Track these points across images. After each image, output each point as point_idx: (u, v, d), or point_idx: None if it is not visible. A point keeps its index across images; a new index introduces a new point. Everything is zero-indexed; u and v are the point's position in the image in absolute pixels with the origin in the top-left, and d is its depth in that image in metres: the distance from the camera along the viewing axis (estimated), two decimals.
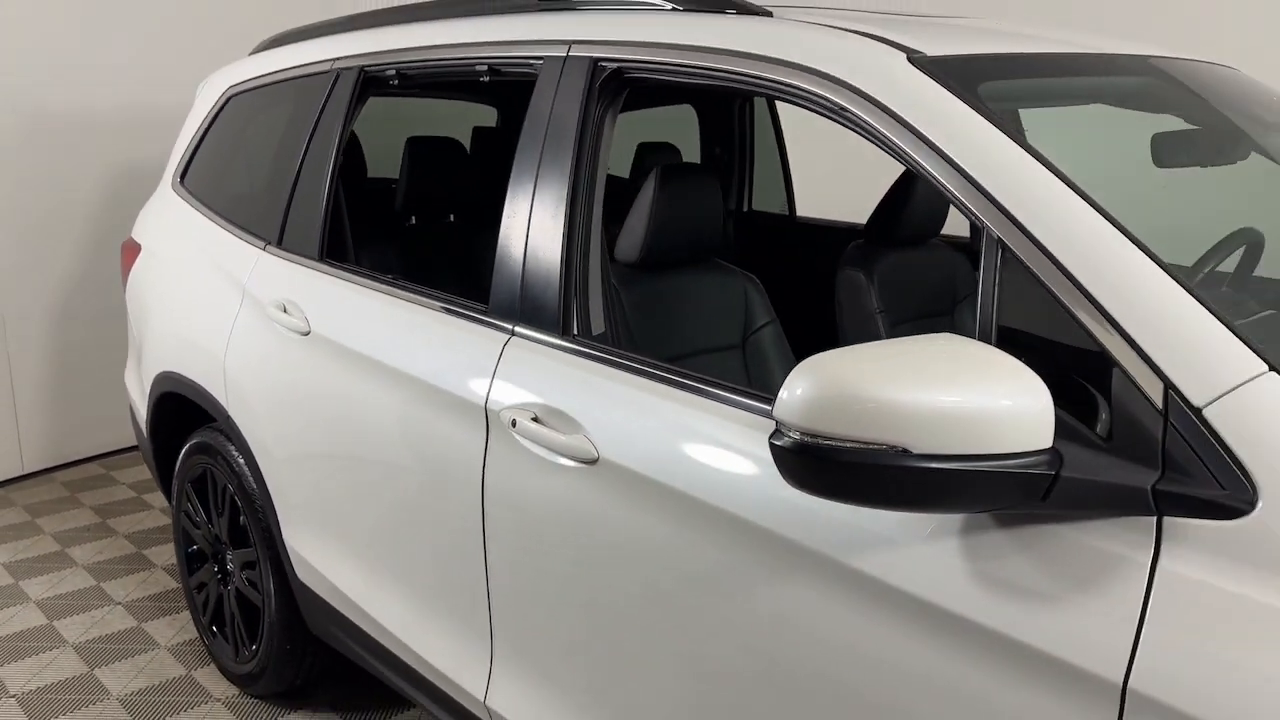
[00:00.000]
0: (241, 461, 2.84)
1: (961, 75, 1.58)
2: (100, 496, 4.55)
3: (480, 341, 2.09)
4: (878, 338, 2.73)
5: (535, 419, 1.91)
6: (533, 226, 2.05)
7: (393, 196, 3.25)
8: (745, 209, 4.03)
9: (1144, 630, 1.19)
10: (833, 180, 3.84)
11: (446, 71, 2.44)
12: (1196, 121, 2.04)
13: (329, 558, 2.56)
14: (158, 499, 4.47)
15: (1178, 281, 1.28)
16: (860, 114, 1.58)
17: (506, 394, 1.99)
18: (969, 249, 2.94)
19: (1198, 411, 1.21)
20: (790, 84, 1.69)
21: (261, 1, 4.97)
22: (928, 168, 1.49)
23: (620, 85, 2.04)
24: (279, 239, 2.79)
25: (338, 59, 2.75)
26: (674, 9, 2.03)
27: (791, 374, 1.27)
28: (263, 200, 2.91)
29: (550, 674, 1.99)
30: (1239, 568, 1.16)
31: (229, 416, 2.83)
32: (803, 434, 1.25)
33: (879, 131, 1.56)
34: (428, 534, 2.22)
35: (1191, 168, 2.09)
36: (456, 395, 2.09)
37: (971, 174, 1.43)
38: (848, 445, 1.22)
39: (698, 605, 1.68)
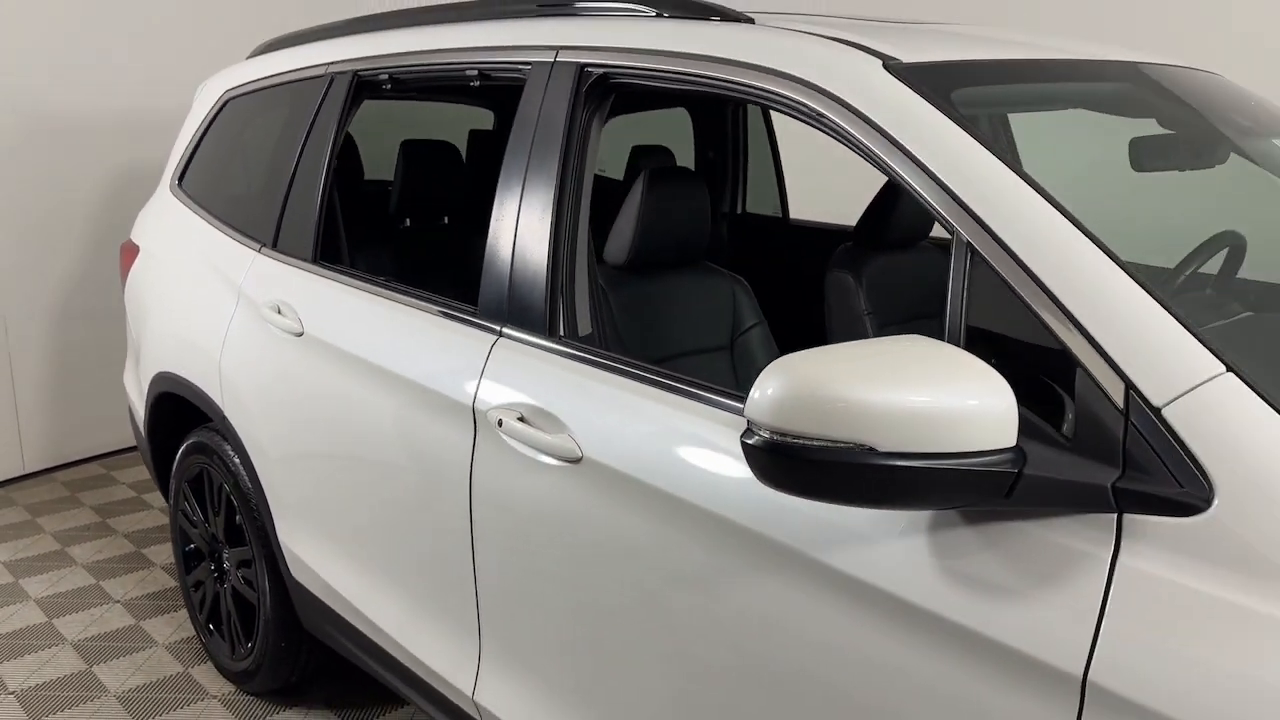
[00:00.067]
0: (237, 461, 2.87)
1: (936, 82, 1.61)
2: (100, 496, 4.59)
3: (469, 342, 2.13)
4: (865, 339, 2.75)
5: (521, 419, 1.94)
6: (520, 229, 2.08)
7: (389, 199, 3.29)
8: (739, 211, 4.06)
9: (1103, 624, 1.22)
10: (826, 183, 3.87)
11: (438, 76, 2.47)
12: (1174, 126, 2.07)
13: (322, 556, 2.59)
14: (157, 499, 4.51)
15: (1140, 284, 1.31)
16: (837, 120, 1.61)
17: (494, 394, 2.02)
18: None
19: (1157, 411, 1.24)
20: (769, 90, 1.72)
21: (261, 5, 5.02)
22: (901, 173, 1.52)
23: (606, 90, 2.07)
24: (274, 241, 2.82)
25: (332, 63, 2.79)
26: (658, 15, 2.06)
27: (762, 374, 1.30)
28: (259, 203, 2.95)
29: (537, 670, 2.02)
30: (1196, 564, 1.18)
31: (224, 417, 2.87)
32: (773, 433, 1.28)
33: (854, 137, 1.59)
34: (417, 532, 2.25)
35: (1171, 172, 2.11)
36: (445, 395, 2.12)
37: (941, 178, 1.47)
38: (815, 444, 1.25)
39: (679, 602, 1.71)
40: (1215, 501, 1.19)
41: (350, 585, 2.51)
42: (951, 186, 1.45)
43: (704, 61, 1.86)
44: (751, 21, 1.93)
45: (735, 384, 2.53)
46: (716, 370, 2.56)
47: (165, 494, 3.44)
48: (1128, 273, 1.32)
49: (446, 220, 3.55)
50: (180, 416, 3.22)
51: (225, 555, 3.08)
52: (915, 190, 1.49)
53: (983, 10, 4.45)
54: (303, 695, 3.09)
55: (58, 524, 4.29)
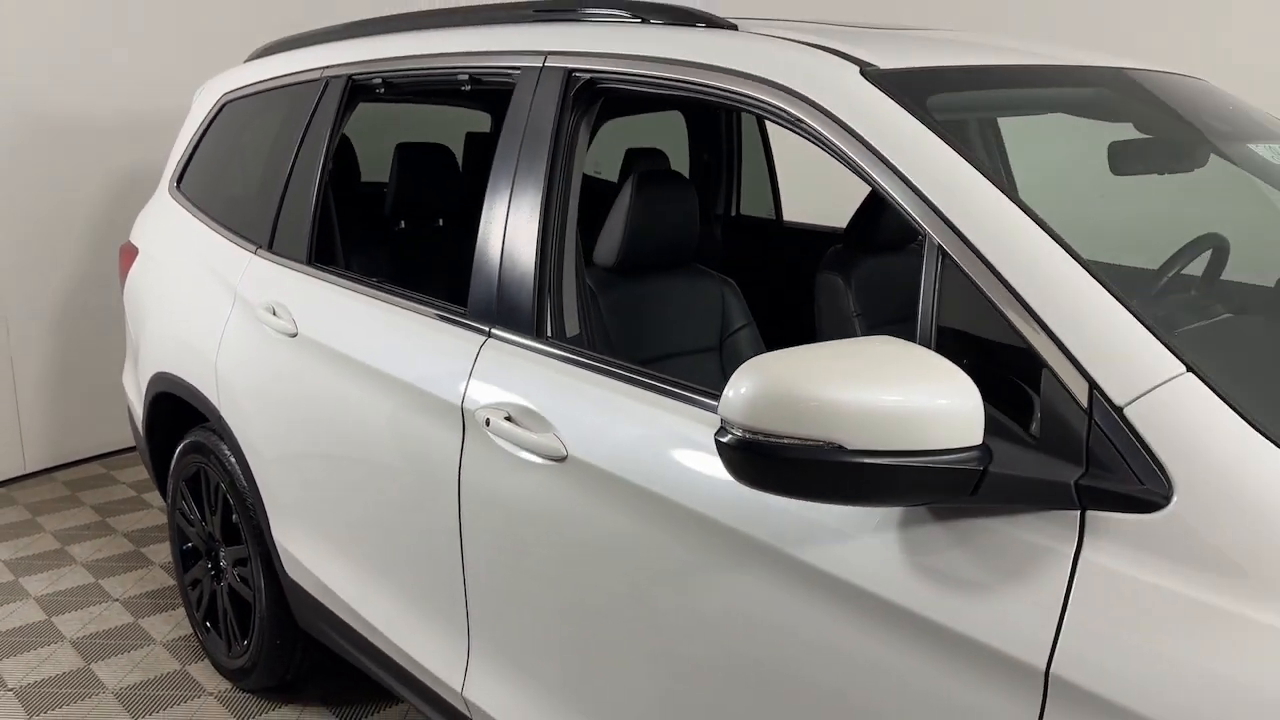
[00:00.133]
0: (233, 460, 2.91)
1: (911, 87, 1.64)
2: (100, 496, 4.62)
3: (458, 343, 2.16)
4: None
5: (508, 418, 1.98)
6: (509, 231, 2.12)
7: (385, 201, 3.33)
8: (733, 213, 4.09)
9: (1066, 619, 1.25)
10: (819, 186, 3.90)
11: (430, 80, 2.51)
12: (1153, 130, 2.10)
13: (316, 554, 2.63)
14: (157, 498, 4.54)
15: (1104, 286, 1.34)
16: (814, 124, 1.65)
17: (482, 394, 2.06)
18: None
19: (1119, 410, 1.27)
20: (750, 95, 1.76)
21: (261, 8, 5.05)
22: (875, 177, 1.55)
23: (594, 95, 2.11)
24: (269, 243, 2.86)
25: (327, 67, 2.82)
26: (644, 22, 2.10)
27: (735, 374, 1.33)
28: (255, 205, 2.98)
29: (524, 665, 2.05)
30: (1155, 559, 1.22)
31: (221, 416, 2.90)
32: (745, 431, 1.31)
33: (831, 142, 1.62)
34: (408, 530, 2.28)
35: (1148, 175, 2.14)
36: (435, 395, 2.15)
37: (914, 182, 1.50)
38: (787, 442, 1.28)
39: (662, 599, 1.74)
40: (1174, 498, 1.22)
41: (343, 583, 2.55)
42: (923, 190, 1.49)
43: (687, 67, 1.89)
44: (734, 28, 1.96)
45: (723, 384, 2.56)
46: (705, 371, 2.59)
47: (163, 493, 3.48)
48: (1093, 275, 1.35)
49: (441, 222, 3.58)
50: (178, 416, 3.26)
51: (222, 554, 3.12)
52: (889, 194, 1.53)
53: (982, 14, 4.49)
54: (298, 693, 3.12)
55: (58, 523, 4.33)
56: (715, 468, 1.65)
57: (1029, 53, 2.07)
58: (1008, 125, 2.84)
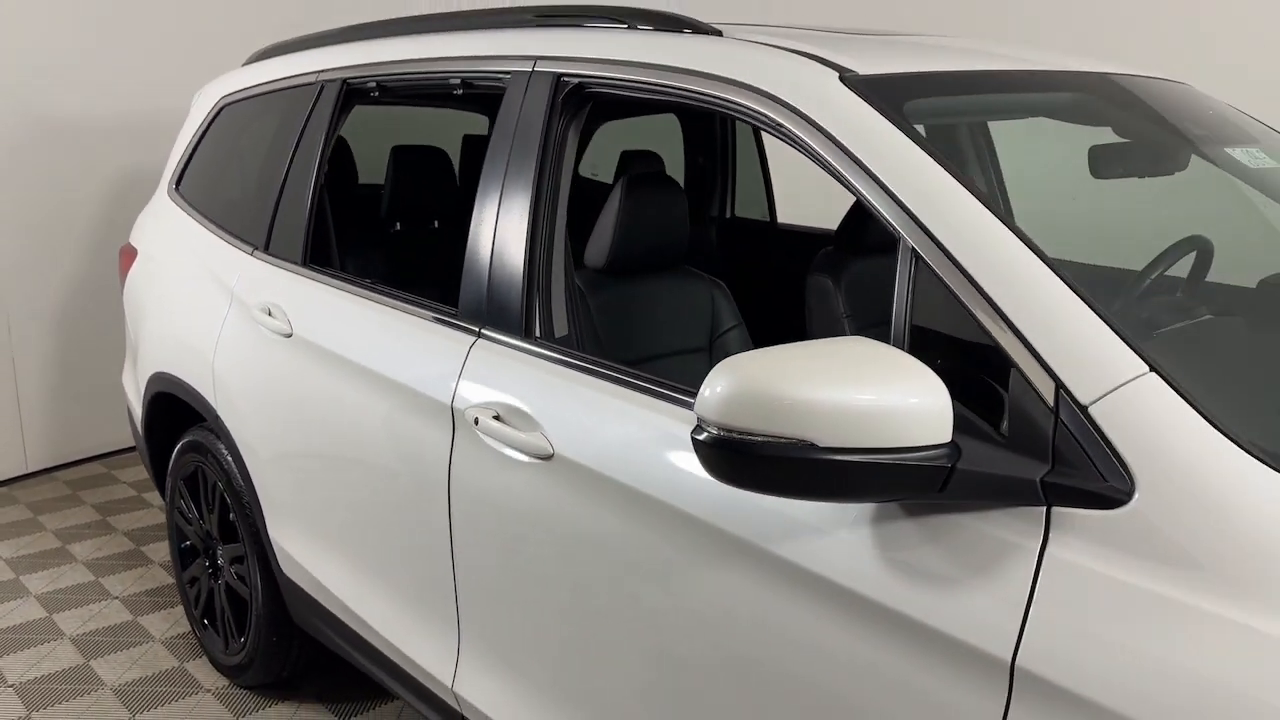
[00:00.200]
0: (229, 459, 2.94)
1: (889, 93, 1.68)
2: (101, 495, 4.66)
3: (449, 343, 2.19)
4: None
5: (497, 417, 2.01)
6: (499, 233, 2.15)
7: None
8: (728, 216, 4.13)
9: (1031, 612, 1.28)
10: (812, 188, 3.94)
11: (423, 84, 2.54)
12: (1132, 134, 2.13)
13: (310, 552, 2.66)
14: (157, 498, 4.58)
15: (1072, 288, 1.38)
16: (794, 129, 1.68)
17: (471, 393, 2.09)
18: None
19: (1084, 409, 1.30)
20: (732, 100, 1.79)
21: (261, 10, 5.09)
22: (852, 181, 1.58)
23: (582, 99, 2.14)
24: (265, 244, 2.89)
25: (322, 71, 2.86)
26: (630, 28, 2.13)
27: (711, 373, 1.36)
28: (251, 207, 3.02)
29: (512, 660, 2.08)
30: (1118, 554, 1.25)
31: (217, 416, 2.94)
32: (720, 429, 1.34)
33: (810, 146, 1.65)
34: (400, 528, 2.32)
35: (1129, 178, 2.17)
36: (426, 395, 2.18)
37: (889, 186, 1.53)
38: (759, 439, 1.31)
39: (645, 595, 1.77)
40: (1136, 495, 1.25)
41: (337, 580, 2.58)
42: (896, 193, 1.52)
43: (672, 72, 1.92)
44: (719, 34, 2.00)
45: None
46: (695, 371, 2.62)
47: (162, 492, 3.51)
48: (1061, 277, 1.39)
49: (436, 224, 3.62)
50: (176, 416, 3.30)
51: (219, 552, 3.15)
52: (864, 197, 1.56)
53: (983, 17, 4.51)
54: (295, 690, 3.16)
55: (59, 522, 4.37)
56: (698, 466, 1.68)
57: (1011, 58, 2.10)
58: (1005, 128, 2.87)
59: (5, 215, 4.62)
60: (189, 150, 3.49)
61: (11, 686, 3.16)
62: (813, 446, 1.30)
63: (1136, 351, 1.31)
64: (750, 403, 1.32)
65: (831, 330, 2.89)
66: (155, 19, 4.91)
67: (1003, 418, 1.39)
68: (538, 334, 2.07)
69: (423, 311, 2.31)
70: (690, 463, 1.69)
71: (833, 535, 1.50)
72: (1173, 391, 1.28)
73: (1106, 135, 2.21)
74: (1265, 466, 1.22)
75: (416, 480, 2.22)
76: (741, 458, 1.33)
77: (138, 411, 3.51)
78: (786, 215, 4.09)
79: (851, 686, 1.47)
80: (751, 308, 3.12)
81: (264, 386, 2.72)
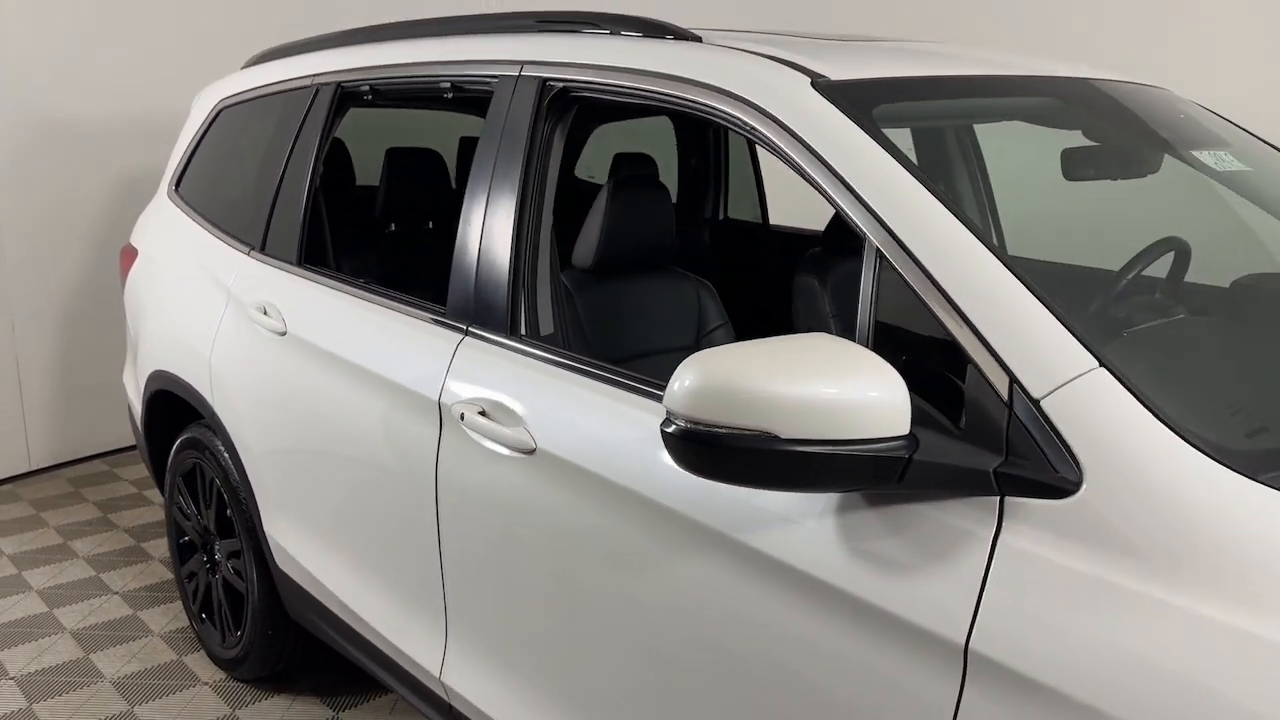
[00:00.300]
0: (226, 456, 3.00)
1: (859, 98, 1.73)
2: (103, 492, 4.72)
3: (437, 341, 2.25)
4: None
5: (482, 413, 2.06)
6: (486, 233, 2.20)
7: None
8: (720, 217, 4.18)
9: (984, 598, 1.33)
10: (804, 190, 3.98)
11: (414, 87, 2.60)
12: (1102, 137, 2.18)
13: (304, 546, 2.72)
14: (158, 495, 4.63)
15: (1027, 286, 1.43)
16: (767, 133, 1.73)
17: (458, 390, 2.14)
18: None
19: (1036, 403, 1.35)
20: (708, 104, 1.84)
21: (261, 15, 5.15)
22: (821, 183, 1.64)
23: (567, 103, 2.19)
24: (262, 245, 2.95)
25: (317, 75, 2.92)
26: (614, 33, 2.18)
27: (679, 367, 1.42)
28: (248, 208, 3.08)
29: (497, 650, 2.14)
30: (1066, 542, 1.30)
31: (215, 413, 2.99)
32: (688, 421, 1.40)
33: (782, 150, 1.70)
34: (390, 522, 2.37)
35: (1101, 181, 2.22)
36: (415, 391, 2.24)
37: (855, 188, 1.58)
38: (724, 431, 1.37)
39: (624, 584, 1.82)
40: (1084, 485, 1.30)
41: (330, 574, 2.63)
42: (863, 195, 1.57)
43: (653, 77, 1.97)
44: (699, 39, 2.05)
45: None
46: None
47: (162, 489, 3.57)
48: (1017, 275, 1.44)
49: (430, 225, 3.67)
50: (175, 413, 3.35)
51: (216, 547, 3.21)
52: (833, 199, 1.61)
53: (985, 21, 4.57)
54: (291, 683, 3.21)
55: (61, 518, 4.43)
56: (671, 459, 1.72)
57: (987, 62, 2.14)
58: (998, 132, 2.92)
59: (9, 216, 4.69)
60: (188, 152, 3.55)
61: (13, 679, 3.22)
62: (775, 438, 1.35)
63: (1087, 348, 1.36)
64: (715, 396, 1.37)
65: (818, 330, 2.93)
66: (156, 21, 4.97)
67: (961, 411, 1.44)
68: (523, 332, 2.12)
69: (412, 310, 2.37)
70: (666, 456, 1.74)
71: (800, 526, 1.55)
72: (1121, 386, 1.33)
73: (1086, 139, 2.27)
74: (1209, 459, 1.27)
75: (405, 475, 2.27)
76: (707, 449, 1.39)
77: (137, 409, 3.57)
78: (778, 217, 4.14)
79: (818, 672, 1.52)
80: (743, 308, 3.17)
81: (259, 384, 2.77)
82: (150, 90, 4.96)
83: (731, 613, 1.64)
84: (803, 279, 2.98)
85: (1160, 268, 2.26)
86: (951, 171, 2.88)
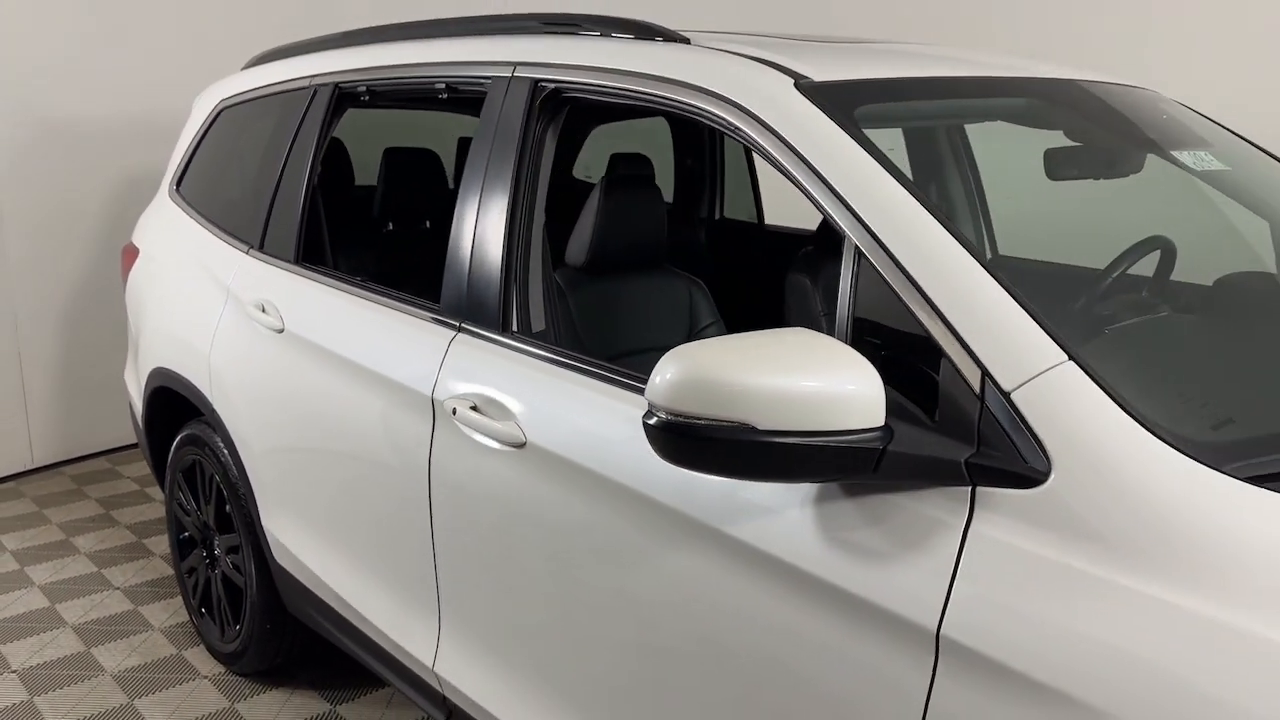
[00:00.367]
0: (225, 452, 3.04)
1: (841, 99, 1.76)
2: (105, 489, 4.77)
3: (430, 338, 2.28)
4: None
5: (474, 407, 2.10)
6: (478, 232, 2.24)
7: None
8: (716, 216, 4.22)
9: (955, 585, 1.37)
10: (798, 191, 4.02)
11: (410, 88, 2.64)
12: (1083, 137, 2.21)
13: (302, 541, 2.75)
14: (159, 492, 4.67)
15: (999, 282, 1.46)
16: (751, 133, 1.77)
17: (451, 385, 2.18)
18: None
19: (1007, 395, 1.38)
20: (695, 105, 1.88)
21: (261, 16, 5.19)
22: (802, 181, 1.67)
23: (559, 104, 2.23)
24: (260, 243, 2.99)
25: (315, 76, 2.96)
26: (605, 35, 2.22)
27: (661, 361, 1.45)
28: (248, 207, 3.12)
29: (489, 641, 2.17)
30: (1035, 530, 1.33)
31: (214, 410, 3.03)
32: (668, 413, 1.43)
33: (766, 150, 1.74)
34: (384, 516, 2.41)
35: (1084, 180, 2.25)
36: (409, 387, 2.28)
37: (835, 187, 1.62)
38: (703, 423, 1.40)
39: (611, 575, 1.86)
40: (1052, 475, 1.33)
41: (327, 568, 2.67)
42: (842, 194, 1.61)
43: (642, 79, 2.01)
44: (687, 41, 2.09)
45: None
46: None
47: (162, 485, 3.61)
48: (989, 271, 1.47)
49: (428, 224, 3.71)
50: (175, 410, 3.39)
51: (216, 542, 3.25)
52: (814, 198, 1.65)
53: (986, 23, 4.60)
54: (289, 676, 3.25)
55: (63, 515, 4.47)
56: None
57: (971, 63, 2.18)
58: (992, 133, 2.95)
59: (12, 215, 4.73)
60: (189, 152, 3.59)
61: (15, 672, 3.26)
62: (753, 429, 1.38)
63: (1057, 342, 1.40)
64: (695, 388, 1.41)
65: (810, 327, 2.97)
66: (156, 22, 5.00)
67: (935, 404, 1.47)
68: (515, 329, 2.16)
69: (407, 307, 2.41)
70: (651, 449, 1.78)
71: (781, 516, 1.58)
72: (1089, 379, 1.36)
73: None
74: (1175, 450, 1.31)
75: (400, 470, 2.31)
76: (687, 440, 1.42)
77: (138, 406, 3.61)
78: (774, 217, 4.18)
79: (802, 660, 1.56)
80: (739, 306, 3.20)
81: (257, 381, 2.81)
82: (151, 90, 5.00)
83: (718, 603, 1.68)
84: (795, 278, 3.02)
85: (1147, 266, 2.29)
86: (943, 172, 2.91)
